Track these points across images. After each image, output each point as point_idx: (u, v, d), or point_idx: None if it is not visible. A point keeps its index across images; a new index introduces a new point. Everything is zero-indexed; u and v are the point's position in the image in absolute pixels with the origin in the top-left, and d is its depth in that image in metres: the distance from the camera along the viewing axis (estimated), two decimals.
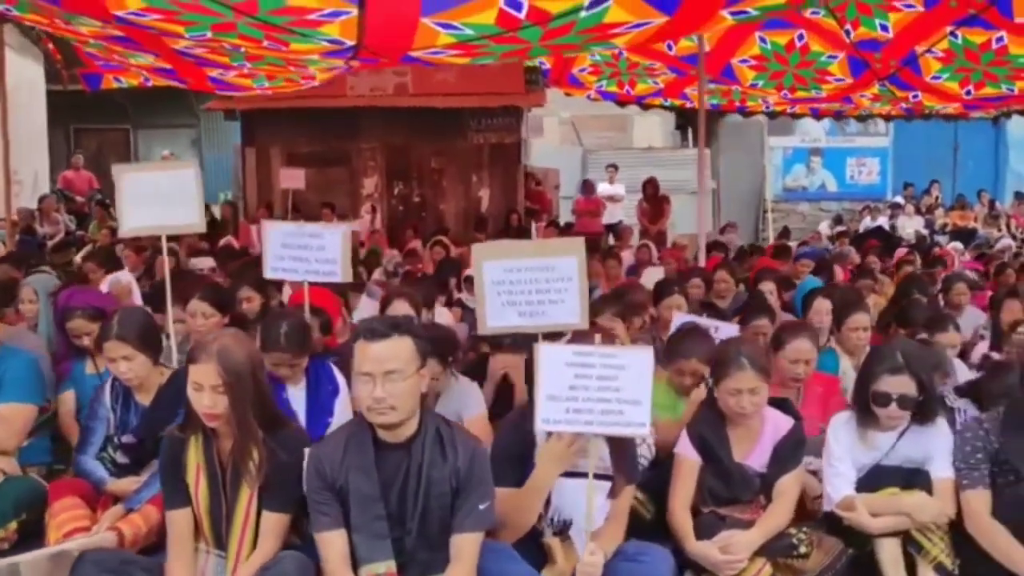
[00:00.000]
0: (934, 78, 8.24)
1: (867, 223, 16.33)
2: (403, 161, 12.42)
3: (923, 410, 3.02)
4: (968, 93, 8.68)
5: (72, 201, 12.52)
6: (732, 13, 5.16)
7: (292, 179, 11.42)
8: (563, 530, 2.74)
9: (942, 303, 6.54)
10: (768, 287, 5.99)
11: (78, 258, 8.23)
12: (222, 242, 9.53)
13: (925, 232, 15.52)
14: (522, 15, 4.57)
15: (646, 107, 11.63)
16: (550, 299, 3.12)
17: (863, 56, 7.85)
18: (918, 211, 16.47)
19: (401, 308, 4.29)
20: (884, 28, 7.26)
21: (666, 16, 4.79)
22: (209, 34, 5.28)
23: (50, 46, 11.46)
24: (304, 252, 3.90)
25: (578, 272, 3.10)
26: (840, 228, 15.33)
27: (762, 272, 6.36)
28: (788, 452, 2.99)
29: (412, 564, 2.45)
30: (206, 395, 2.41)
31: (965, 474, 2.89)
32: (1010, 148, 17.16)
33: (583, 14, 4.61)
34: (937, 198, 16.76)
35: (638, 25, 4.93)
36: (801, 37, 8.15)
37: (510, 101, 11.76)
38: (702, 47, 8.17)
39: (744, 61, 8.95)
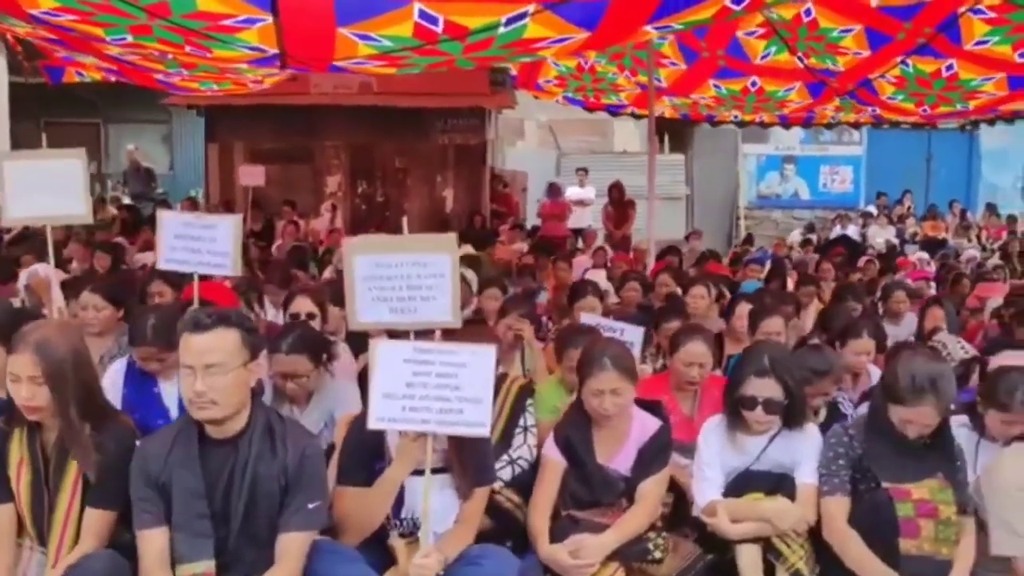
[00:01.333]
0: (890, 99, 8.31)
1: (838, 232, 16.35)
2: (367, 160, 12.38)
3: (791, 414, 2.98)
4: (925, 111, 8.75)
5: None
6: (656, 27, 5.12)
7: (252, 176, 11.36)
8: (414, 531, 2.69)
9: (881, 311, 6.55)
10: (699, 291, 5.94)
11: None
12: None
13: (896, 242, 15.54)
14: (439, 29, 4.53)
15: (615, 114, 11.65)
16: (422, 296, 3.06)
17: (820, 79, 7.89)
18: (889, 221, 16.48)
19: (303, 305, 4.24)
20: (834, 64, 7.33)
21: (588, 31, 4.77)
22: (129, 37, 5.21)
23: (9, 37, 11.36)
24: (197, 243, 3.83)
25: (451, 269, 3.04)
26: (809, 236, 15.32)
27: (696, 277, 6.31)
28: (653, 455, 2.94)
29: (237, 563, 2.39)
30: (24, 386, 2.35)
31: (825, 480, 2.85)
32: (983, 159, 17.18)
33: (501, 30, 4.57)
34: (909, 208, 16.77)
35: (561, 40, 4.90)
36: (755, 83, 8.24)
37: (475, 102, 11.72)
38: (652, 93, 8.27)
39: (703, 98, 9.08)
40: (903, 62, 7.12)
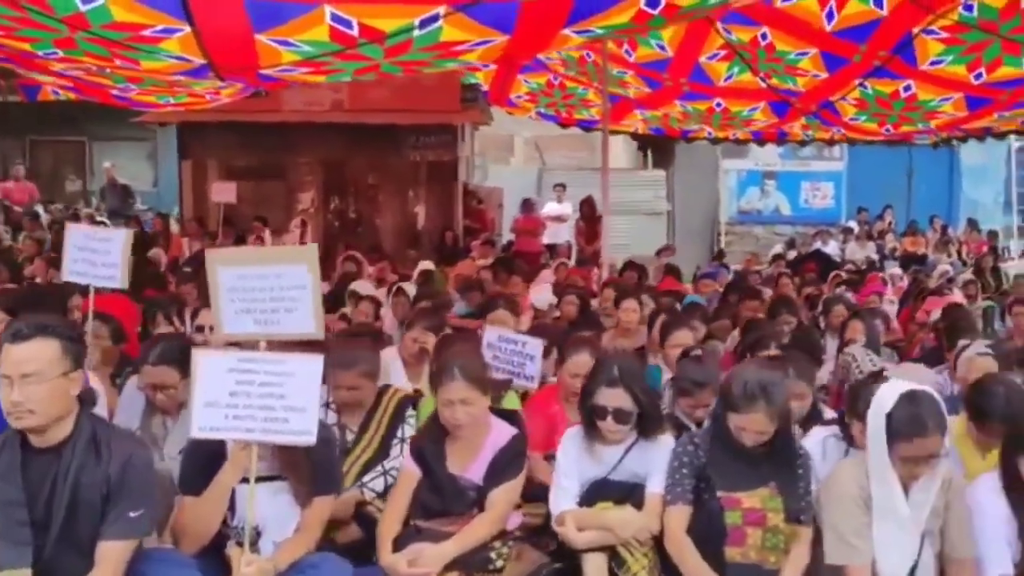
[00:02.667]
0: (852, 119, 8.36)
1: (818, 247, 16.34)
2: (339, 176, 12.47)
3: (644, 425, 3.00)
4: (887, 131, 8.80)
5: (10, 211, 12.56)
6: (577, 32, 5.17)
7: (224, 192, 11.46)
8: (257, 540, 2.71)
9: (823, 324, 6.57)
10: (630, 304, 5.96)
11: None
12: None
13: (875, 257, 15.53)
14: (354, 32, 4.58)
15: (588, 130, 11.72)
16: (284, 307, 3.10)
17: (783, 99, 7.95)
18: (869, 236, 16.47)
19: (207, 318, 4.29)
20: (794, 84, 7.40)
21: (505, 35, 4.82)
22: (60, 52, 5.29)
23: None
24: (93, 256, 3.89)
25: (310, 280, 3.08)
26: (779, 252, 15.32)
27: (623, 289, 6.33)
28: (504, 464, 2.97)
29: (55, 571, 2.42)
30: None
31: (669, 489, 2.87)
32: (964, 175, 17.18)
33: (416, 33, 4.62)
34: (890, 223, 16.76)
35: (481, 43, 4.95)
36: (719, 104, 8.32)
37: (445, 119, 11.80)
38: (605, 106, 8.37)
39: (671, 111, 9.14)
40: (861, 84, 7.18)
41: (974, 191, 17.10)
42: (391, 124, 11.74)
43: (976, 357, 4.16)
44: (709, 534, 2.71)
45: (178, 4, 4.31)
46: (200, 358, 2.59)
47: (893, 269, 12.92)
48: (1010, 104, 7.19)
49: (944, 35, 6.05)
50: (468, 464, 3.00)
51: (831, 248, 16.32)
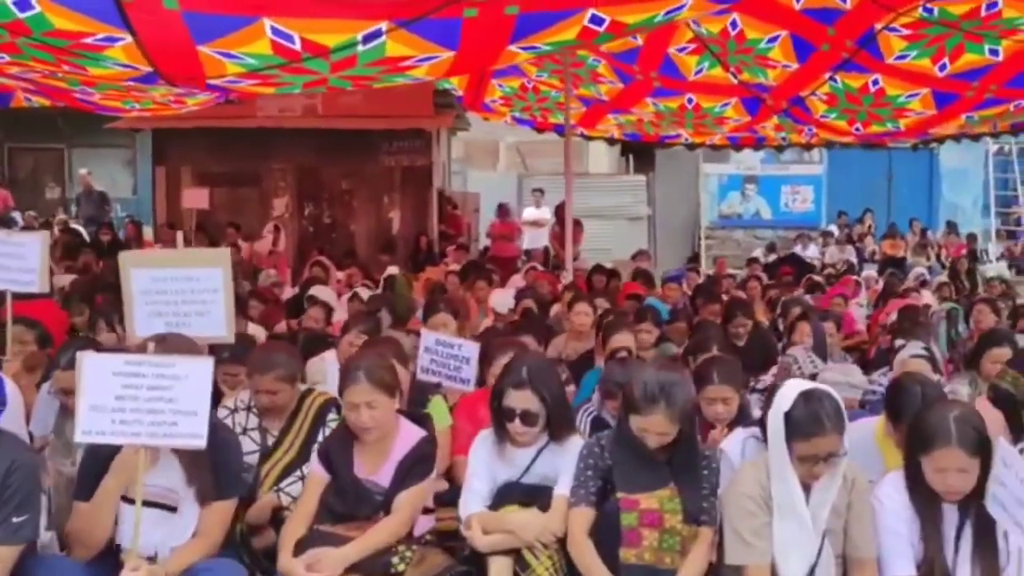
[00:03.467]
0: (823, 117, 8.36)
1: (798, 251, 16.37)
2: (314, 182, 12.46)
3: (553, 427, 2.99)
4: (857, 130, 8.80)
5: None
6: (523, 48, 5.17)
7: (195, 199, 11.45)
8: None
9: (781, 327, 6.56)
10: (582, 308, 5.95)
11: None
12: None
13: (854, 260, 15.55)
14: (297, 47, 4.57)
15: (563, 135, 11.72)
16: (196, 310, 3.09)
17: (754, 95, 7.96)
18: (849, 240, 16.50)
19: None
20: (765, 78, 7.40)
21: (451, 50, 4.81)
22: (6, 56, 5.27)
23: None
24: (7, 260, 3.86)
25: (223, 283, 3.07)
26: (766, 255, 15.34)
27: (576, 293, 6.33)
28: (410, 467, 2.95)
29: None
30: None
31: (573, 491, 2.86)
32: (943, 178, 17.23)
33: (361, 48, 4.62)
34: (870, 227, 16.81)
35: (428, 59, 4.95)
36: (691, 100, 8.32)
37: (417, 124, 11.80)
38: (567, 110, 8.38)
39: (644, 113, 9.16)
40: (831, 78, 7.19)
41: (953, 195, 17.16)
42: (365, 129, 11.74)
43: (909, 359, 4.16)
44: (605, 535, 2.69)
45: (116, 14, 4.30)
46: (85, 361, 2.57)
47: (868, 272, 12.94)
48: (977, 102, 7.21)
49: (906, 32, 6.07)
50: (377, 467, 2.98)
51: (811, 251, 16.36)
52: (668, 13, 4.94)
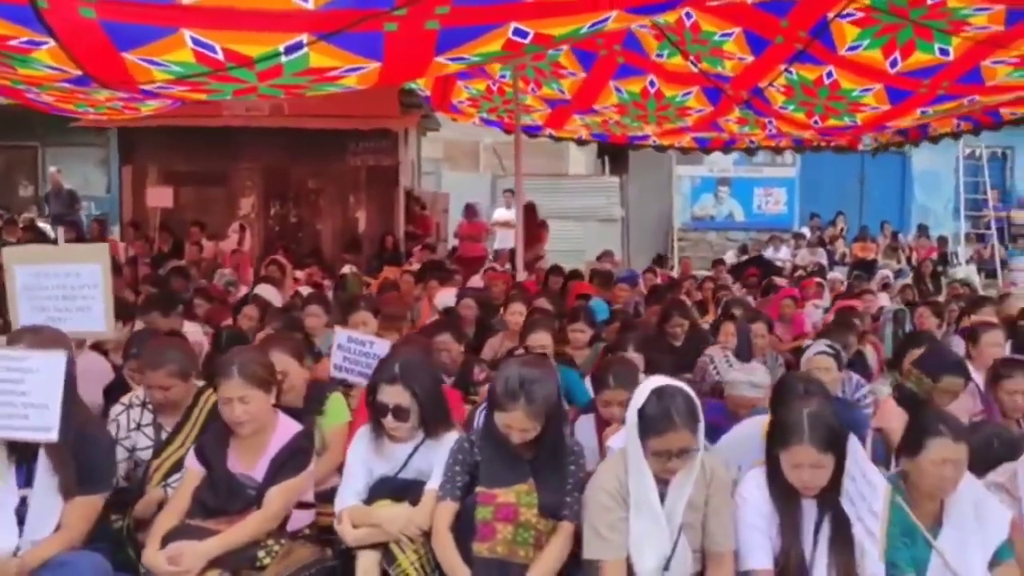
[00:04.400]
0: (781, 108, 8.37)
1: (770, 253, 16.43)
2: (281, 182, 12.49)
3: (427, 423, 3.02)
4: (816, 123, 8.82)
5: None
6: (451, 59, 5.19)
7: (159, 197, 11.47)
8: None
9: None
10: (517, 307, 5.99)
11: None
12: None
13: (825, 263, 15.62)
14: (219, 56, 4.58)
15: (533, 136, 11.75)
16: (77, 306, 3.11)
17: (715, 84, 7.96)
18: (820, 242, 16.57)
19: None
20: (724, 68, 7.42)
21: (376, 61, 4.83)
22: None
23: None
24: None
25: (103, 279, 3.10)
26: (739, 256, 15.40)
27: (515, 293, 6.36)
28: (283, 461, 2.97)
29: None
30: None
31: (441, 486, 2.89)
32: (915, 181, 17.30)
33: (284, 59, 4.63)
34: (841, 229, 16.87)
35: (354, 69, 4.97)
36: (653, 83, 8.30)
37: (383, 124, 11.82)
38: (517, 113, 8.36)
39: (606, 107, 9.13)
40: (787, 70, 7.22)
41: (925, 198, 17.23)
42: (331, 129, 11.76)
43: (814, 356, 4.20)
44: (465, 530, 2.73)
45: (36, 20, 4.31)
46: None
47: (833, 274, 13.00)
48: (931, 98, 7.25)
49: (858, 15, 6.10)
50: (253, 462, 3.01)
51: (783, 253, 16.43)
52: (593, 26, 4.98)
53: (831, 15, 6.08)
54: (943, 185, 16.85)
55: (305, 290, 6.85)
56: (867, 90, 7.28)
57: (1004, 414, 4.22)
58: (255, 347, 3.34)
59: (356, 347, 4.23)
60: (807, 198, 17.18)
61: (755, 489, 2.82)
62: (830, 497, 2.77)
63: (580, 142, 13.11)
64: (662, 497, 2.71)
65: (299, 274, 9.75)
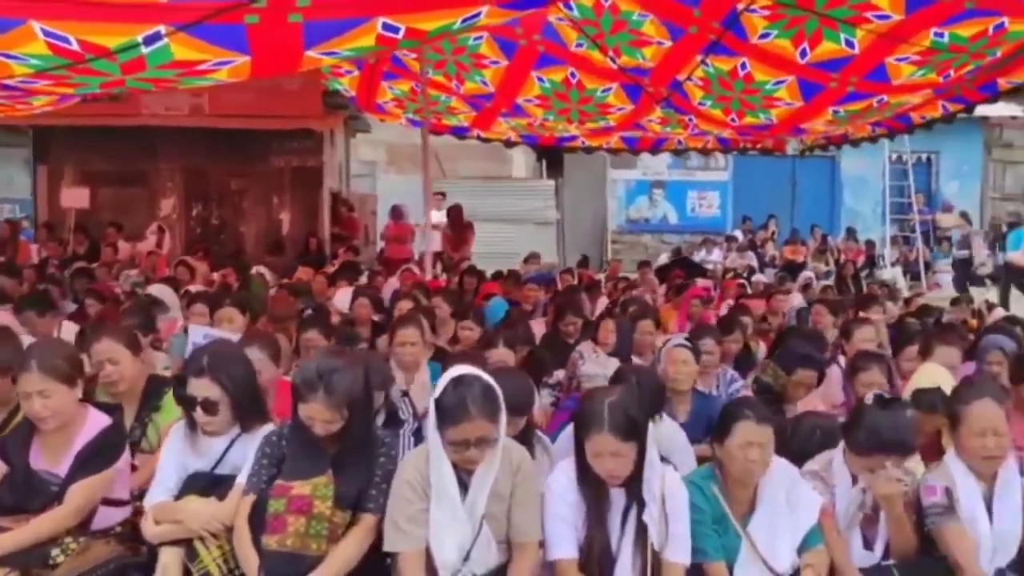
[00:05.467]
0: (700, 104, 8.42)
1: (702, 255, 16.60)
2: (202, 183, 12.31)
3: (240, 416, 2.97)
4: (733, 120, 8.90)
5: None
6: (323, 54, 5.14)
7: (74, 198, 11.23)
8: None
9: None
10: (404, 305, 5.96)
11: None
12: None
13: (755, 265, 15.82)
14: (75, 48, 4.47)
15: (462, 137, 11.72)
16: None
17: (635, 81, 7.97)
18: (752, 245, 16.79)
19: None
20: (643, 59, 7.43)
21: (244, 55, 4.76)
22: None
23: None
24: None
25: None
26: (646, 259, 15.50)
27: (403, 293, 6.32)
28: (87, 457, 2.90)
29: None
30: None
31: (247, 480, 2.84)
32: (845, 185, 17.62)
33: (144, 50, 4.53)
34: (773, 232, 17.11)
35: (223, 63, 4.89)
36: (574, 75, 8.29)
37: (305, 124, 11.72)
38: (426, 110, 8.29)
39: (530, 101, 9.10)
40: (703, 62, 7.26)
41: (854, 201, 17.55)
42: (254, 129, 11.63)
43: (671, 348, 4.23)
44: (256, 523, 2.68)
45: None
46: None
47: (758, 276, 13.16)
48: (841, 95, 7.36)
49: (766, 12, 6.18)
50: (58, 458, 2.92)
51: (715, 256, 16.62)
52: (465, 20, 4.96)
53: (741, 7, 6.15)
54: (871, 189, 17.17)
55: (195, 289, 6.72)
56: (780, 82, 7.36)
57: None
58: (59, 339, 3.25)
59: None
60: (740, 201, 17.41)
61: (563, 479, 2.82)
62: (637, 486, 2.77)
63: (509, 144, 13.12)
64: (465, 487, 2.68)
65: (216, 276, 9.61)
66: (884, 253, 16.43)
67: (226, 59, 4.78)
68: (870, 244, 16.77)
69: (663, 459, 2.93)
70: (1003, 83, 6.92)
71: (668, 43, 6.98)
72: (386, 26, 4.64)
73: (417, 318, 4.70)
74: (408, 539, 2.63)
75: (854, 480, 3.04)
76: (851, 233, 16.85)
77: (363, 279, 9.75)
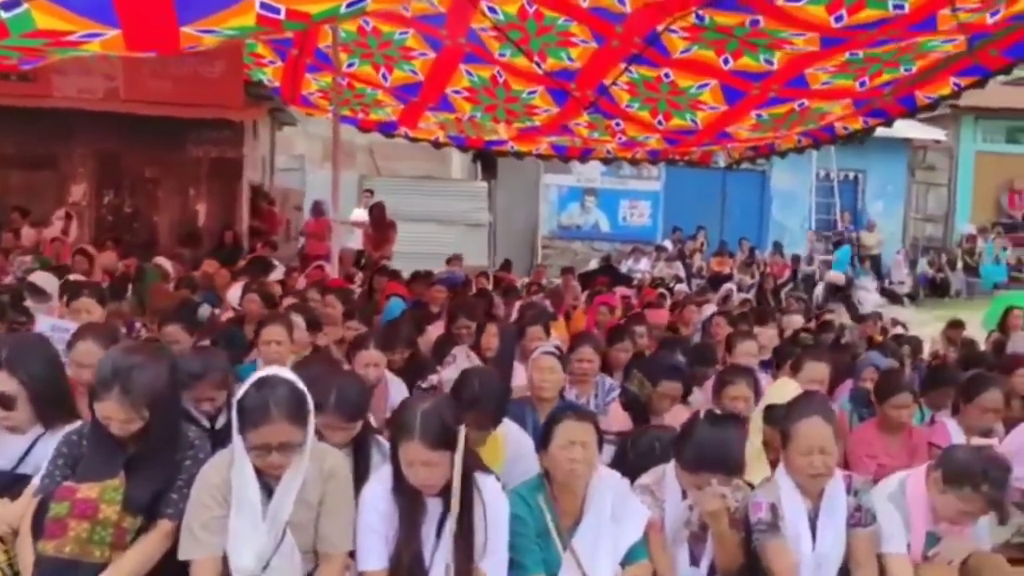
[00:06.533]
0: (627, 106, 8.36)
1: (631, 264, 16.70)
2: (116, 169, 11.93)
3: (41, 413, 2.81)
4: (660, 124, 8.87)
5: None
6: (202, 31, 4.96)
7: None
8: None
9: None
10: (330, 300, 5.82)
11: None
12: None
13: (682, 276, 15.96)
14: None
15: (390, 135, 11.51)
16: None
17: (560, 85, 7.89)
18: (680, 255, 16.94)
19: None
20: (570, 59, 7.34)
21: (113, 28, 4.56)
22: None
23: None
24: None
25: None
26: (570, 266, 15.54)
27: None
28: None
29: None
30: None
31: (40, 480, 2.68)
32: (773, 199, 17.87)
33: (3, 15, 4.31)
34: (701, 244, 17.28)
35: (94, 35, 4.68)
36: (500, 73, 8.18)
37: (224, 114, 11.43)
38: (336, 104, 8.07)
39: (458, 92, 8.93)
40: (628, 69, 7.23)
41: (782, 215, 17.81)
42: (173, 117, 11.31)
43: (537, 356, 4.17)
44: (37, 528, 2.52)
45: None
46: None
47: (680, 287, 13.27)
48: (763, 100, 7.39)
49: (685, 35, 6.17)
50: None
51: (643, 265, 16.72)
52: (350, 5, 4.84)
53: (660, 28, 6.15)
54: (799, 204, 17.45)
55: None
56: (704, 85, 7.37)
57: None
58: None
59: (60, 335, 3.97)
60: (671, 212, 17.55)
61: (378, 487, 2.72)
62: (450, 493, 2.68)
63: (437, 144, 12.99)
64: (270, 494, 2.57)
65: (121, 265, 9.32)
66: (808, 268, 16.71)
67: (95, 31, 4.57)
68: (795, 259, 17.05)
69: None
70: (921, 97, 7.03)
71: (594, 44, 6.96)
72: (264, 5, 4.48)
73: (284, 316, 4.56)
74: (202, 546, 2.50)
75: (685, 495, 3.00)
76: (777, 247, 17.11)
77: (277, 275, 9.55)
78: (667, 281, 14.64)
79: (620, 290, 11.13)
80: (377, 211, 12.47)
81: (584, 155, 11.74)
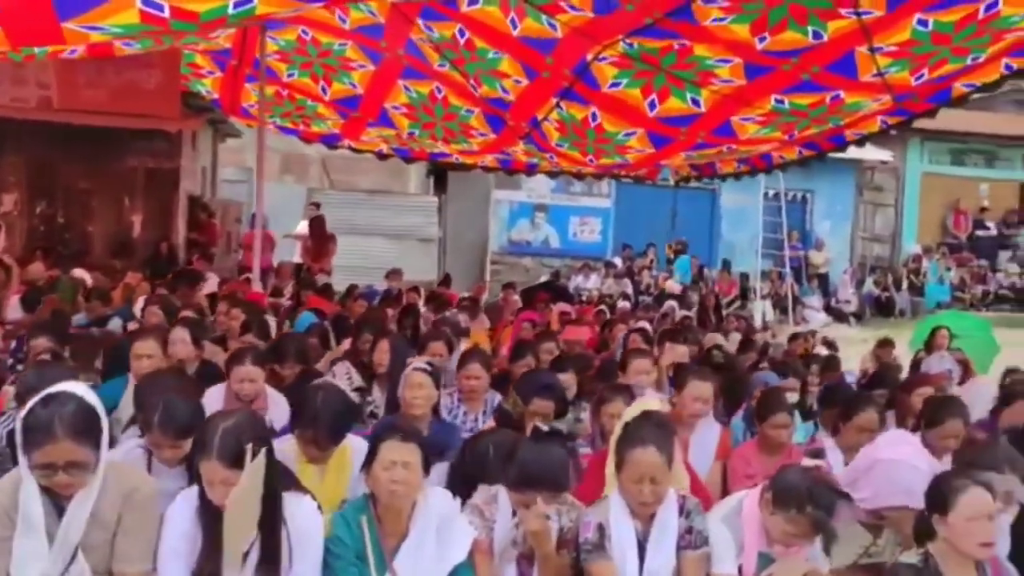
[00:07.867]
0: (558, 145, 8.34)
1: (580, 281, 16.71)
2: (48, 179, 11.75)
3: None
4: (591, 161, 8.86)
5: None
6: (87, 27, 4.86)
7: None
8: None
9: None
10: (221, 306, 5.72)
11: None
12: None
13: (630, 293, 15.97)
14: None
15: (332, 146, 11.41)
16: None
17: (496, 112, 7.84)
18: (629, 272, 16.98)
19: None
20: (504, 91, 7.27)
21: None
22: None
23: None
24: None
25: None
26: (511, 281, 15.53)
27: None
28: None
29: None
30: None
31: None
32: (723, 217, 17.98)
33: None
34: (651, 261, 17.33)
35: None
36: (439, 89, 8.09)
37: (159, 124, 11.29)
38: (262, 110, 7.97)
39: (397, 108, 8.83)
40: (558, 105, 7.19)
41: (731, 233, 17.91)
42: (107, 127, 11.15)
43: (409, 372, 4.12)
44: None
45: None
46: None
47: (623, 304, 13.26)
48: (690, 144, 7.39)
49: (615, 59, 6.16)
50: None
51: (592, 282, 16.74)
52: (236, 7, 4.78)
53: (590, 57, 6.13)
54: (750, 223, 17.53)
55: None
56: (630, 134, 7.36)
57: (604, 436, 4.23)
58: None
59: None
60: (621, 228, 17.58)
61: (184, 506, 2.64)
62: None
63: (381, 156, 12.91)
64: (61, 513, 2.48)
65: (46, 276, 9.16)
66: (756, 286, 16.80)
67: None
68: (744, 277, 17.15)
69: None
70: (850, 135, 7.09)
71: (525, 81, 6.93)
72: (148, 2, 4.41)
73: (157, 330, 4.47)
74: None
75: (515, 514, 2.95)
76: (726, 265, 17.20)
77: (209, 287, 9.45)
78: (614, 298, 14.67)
79: (560, 306, 11.08)
80: (316, 223, 12.39)
81: (530, 168, 11.72)
